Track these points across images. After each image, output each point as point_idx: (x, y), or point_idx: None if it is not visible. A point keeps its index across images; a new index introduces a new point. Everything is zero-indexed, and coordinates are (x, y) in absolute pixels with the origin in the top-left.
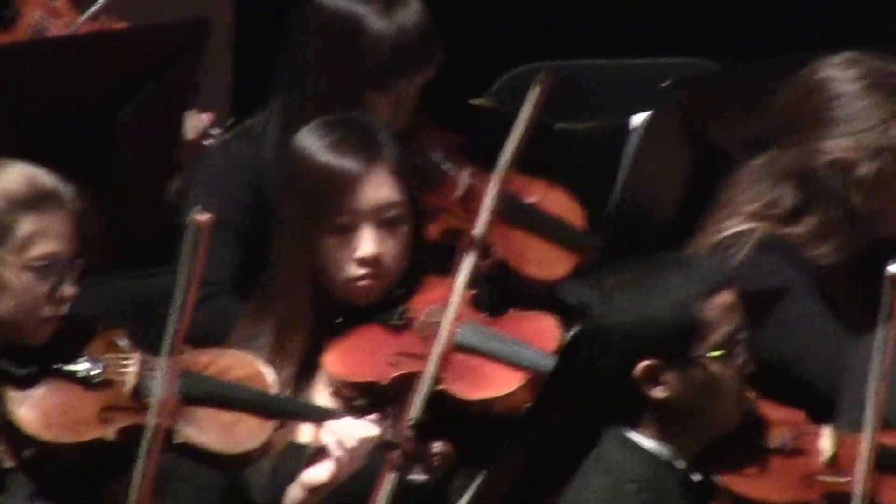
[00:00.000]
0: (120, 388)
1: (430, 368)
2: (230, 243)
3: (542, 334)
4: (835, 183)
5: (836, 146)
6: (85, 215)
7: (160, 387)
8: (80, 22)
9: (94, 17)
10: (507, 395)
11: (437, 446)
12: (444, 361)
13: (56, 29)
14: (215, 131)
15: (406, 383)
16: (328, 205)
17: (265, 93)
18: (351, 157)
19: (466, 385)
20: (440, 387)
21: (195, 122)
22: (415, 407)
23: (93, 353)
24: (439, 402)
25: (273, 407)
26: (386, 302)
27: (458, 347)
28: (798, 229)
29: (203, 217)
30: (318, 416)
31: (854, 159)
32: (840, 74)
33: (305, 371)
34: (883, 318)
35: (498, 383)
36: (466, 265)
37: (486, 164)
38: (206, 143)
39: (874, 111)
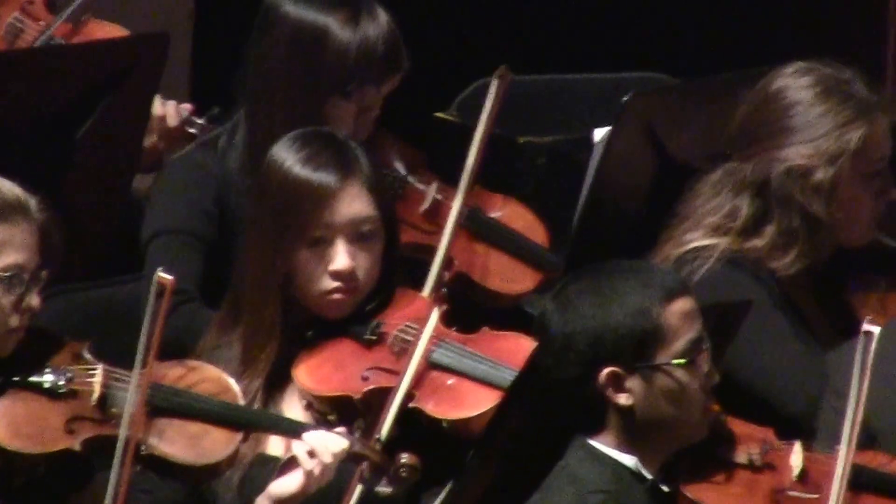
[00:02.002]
0: (85, 398)
1: (402, 386)
2: (196, 253)
3: (518, 354)
4: (793, 190)
5: (794, 154)
6: (49, 226)
7: (132, 399)
8: (55, 24)
9: (75, 20)
10: (481, 414)
11: (405, 458)
12: (419, 379)
13: (31, 30)
14: (200, 120)
15: (378, 398)
16: (303, 218)
17: (224, 101)
18: (326, 171)
19: (441, 404)
20: (414, 404)
21: (176, 111)
22: (387, 424)
23: (58, 365)
24: (413, 420)
25: (240, 418)
26: (357, 316)
27: (432, 366)
28: (759, 242)
29: (167, 278)
30: (286, 427)
31: (811, 166)
32: (793, 83)
33: (277, 383)
34: (858, 371)
35: (472, 403)
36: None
37: (446, 176)
38: (190, 130)
39: (829, 117)
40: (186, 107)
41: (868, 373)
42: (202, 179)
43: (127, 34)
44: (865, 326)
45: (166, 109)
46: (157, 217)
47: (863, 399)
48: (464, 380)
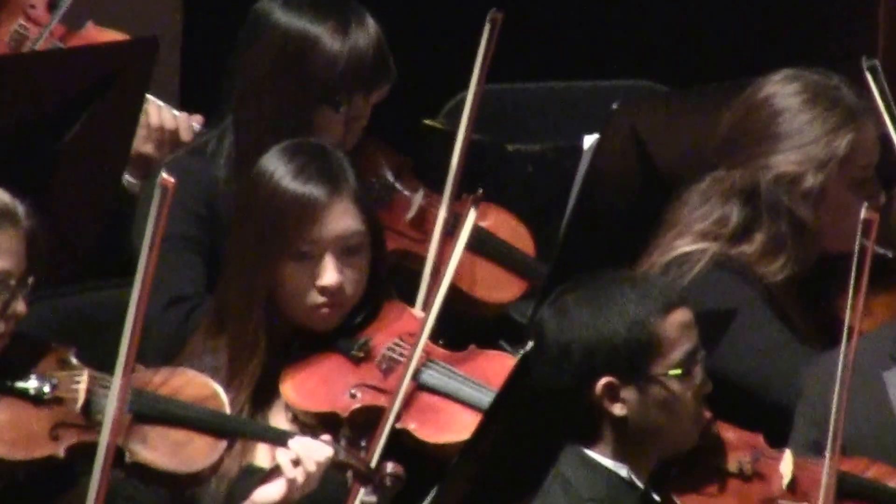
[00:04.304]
0: (70, 405)
1: (395, 408)
2: (195, 256)
3: (504, 375)
4: (781, 197)
5: (782, 161)
6: (36, 232)
7: (113, 405)
8: (49, 26)
9: (70, 22)
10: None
11: (390, 467)
12: (406, 400)
13: (35, 36)
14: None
15: (364, 415)
16: (290, 232)
17: (212, 107)
18: (315, 185)
19: (428, 427)
20: (401, 426)
21: (188, 124)
22: (376, 448)
23: (43, 371)
24: (399, 439)
25: (225, 426)
26: (344, 329)
27: (420, 387)
28: (748, 248)
29: (170, 179)
30: (271, 435)
31: (800, 172)
32: (781, 90)
33: (263, 395)
34: (856, 263)
35: (459, 427)
36: (437, 303)
37: (434, 184)
38: None
39: (817, 124)
40: (197, 119)
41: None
42: (192, 185)
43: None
44: (864, 212)
45: (178, 122)
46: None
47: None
48: (450, 402)
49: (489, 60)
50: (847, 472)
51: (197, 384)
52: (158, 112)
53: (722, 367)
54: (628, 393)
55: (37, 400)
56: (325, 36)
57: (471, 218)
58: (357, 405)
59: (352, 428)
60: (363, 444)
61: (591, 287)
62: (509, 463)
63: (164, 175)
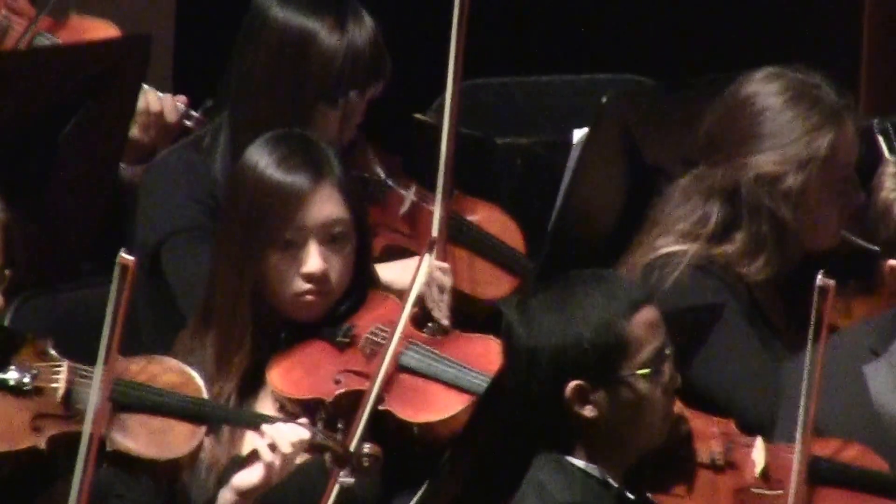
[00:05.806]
0: (50, 396)
1: (374, 390)
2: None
3: (487, 357)
4: (762, 197)
5: (763, 161)
6: (12, 227)
7: (95, 396)
8: (38, 19)
9: (57, 14)
10: (449, 418)
11: (367, 448)
12: (388, 382)
13: (18, 26)
14: (196, 112)
15: (349, 401)
16: (274, 220)
17: (205, 99)
18: (298, 173)
19: (409, 407)
20: (383, 407)
21: (174, 105)
22: (358, 429)
23: (22, 362)
24: (382, 422)
25: (202, 412)
26: (330, 318)
27: (402, 369)
28: (729, 248)
29: (129, 259)
30: (248, 420)
31: (780, 172)
32: (763, 89)
33: (251, 385)
34: (813, 329)
35: (440, 406)
36: (415, 286)
37: (424, 179)
38: (187, 123)
39: (798, 123)
40: (182, 99)
41: (824, 330)
42: (194, 176)
43: (110, 29)
44: (819, 281)
45: (164, 104)
46: (160, 220)
47: (819, 368)
48: (432, 383)
49: (466, 19)
50: (821, 457)
51: (173, 371)
52: (143, 95)
53: (694, 378)
54: (598, 395)
55: (17, 391)
56: (323, 32)
57: (426, 260)
58: (341, 390)
59: (337, 413)
60: (339, 425)
61: (556, 290)
62: (490, 467)
63: (123, 255)
